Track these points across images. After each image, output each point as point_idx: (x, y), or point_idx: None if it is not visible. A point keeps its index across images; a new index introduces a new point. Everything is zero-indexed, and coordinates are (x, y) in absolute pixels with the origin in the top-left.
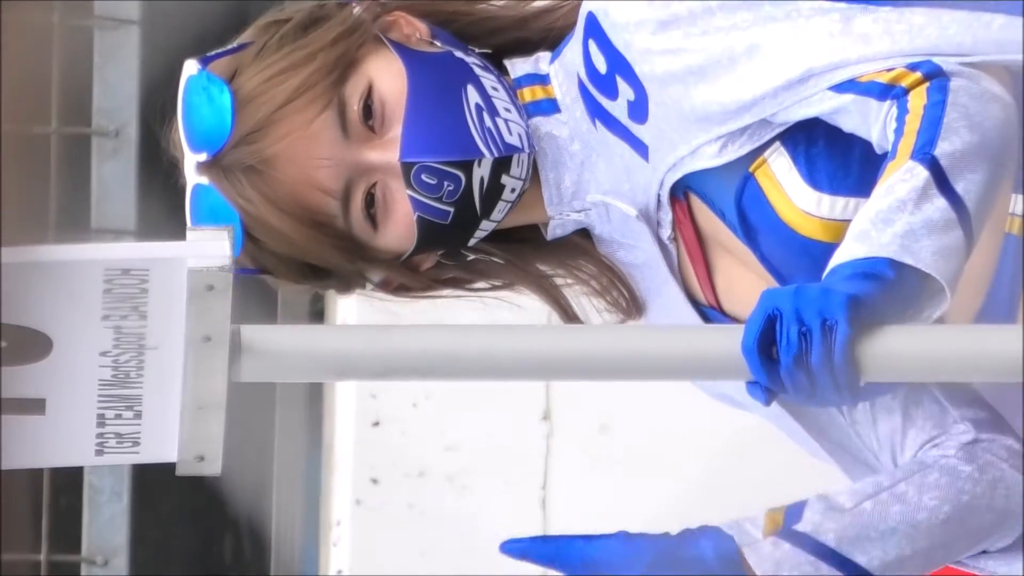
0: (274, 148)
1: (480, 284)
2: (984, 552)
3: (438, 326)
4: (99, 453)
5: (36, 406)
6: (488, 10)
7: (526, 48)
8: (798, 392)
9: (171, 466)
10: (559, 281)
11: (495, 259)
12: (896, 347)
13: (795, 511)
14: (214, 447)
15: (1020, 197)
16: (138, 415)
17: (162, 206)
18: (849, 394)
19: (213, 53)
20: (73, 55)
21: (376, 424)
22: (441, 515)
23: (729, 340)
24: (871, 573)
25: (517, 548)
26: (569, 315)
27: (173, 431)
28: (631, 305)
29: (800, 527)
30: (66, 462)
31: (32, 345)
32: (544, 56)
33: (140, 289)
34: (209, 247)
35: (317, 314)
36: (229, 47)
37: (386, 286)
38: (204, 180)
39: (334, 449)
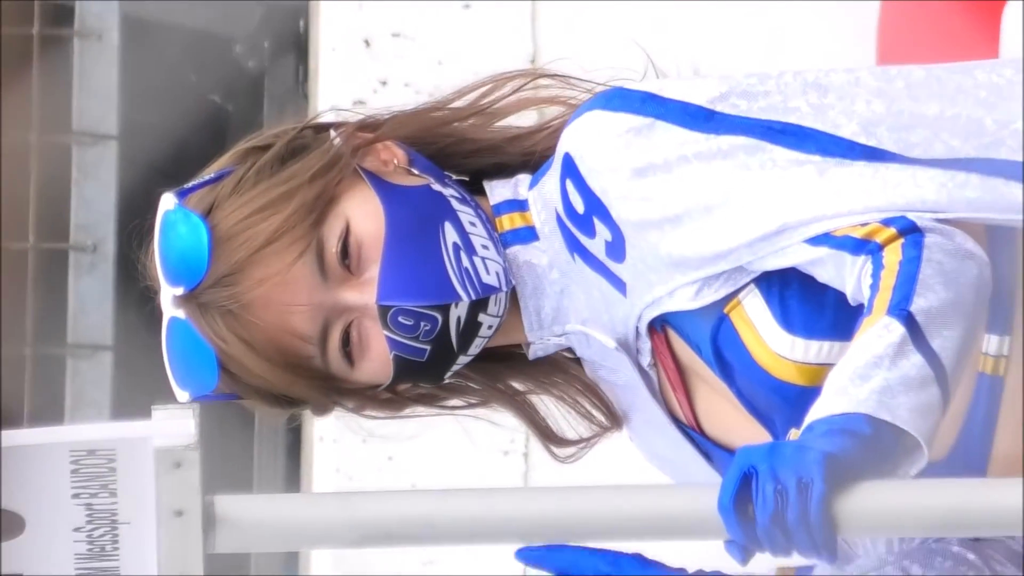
0: (251, 294)
1: (455, 401)
2: None
3: (412, 492)
4: None
5: None
6: (467, 134)
7: (505, 171)
8: (775, 550)
9: None
10: (535, 397)
11: (469, 382)
12: (873, 503)
13: (805, 569)
14: None
15: (992, 337)
16: None
17: (139, 321)
18: (827, 552)
19: (189, 185)
20: (51, 171)
21: None
22: None
23: (705, 499)
24: None
25: (531, 556)
26: (544, 432)
27: None
28: (609, 419)
29: None
30: None
31: (4, 525)
32: (523, 179)
33: (108, 468)
34: (174, 426)
35: (294, 430)
36: (206, 178)
37: (361, 409)
38: (180, 313)
39: (311, 564)
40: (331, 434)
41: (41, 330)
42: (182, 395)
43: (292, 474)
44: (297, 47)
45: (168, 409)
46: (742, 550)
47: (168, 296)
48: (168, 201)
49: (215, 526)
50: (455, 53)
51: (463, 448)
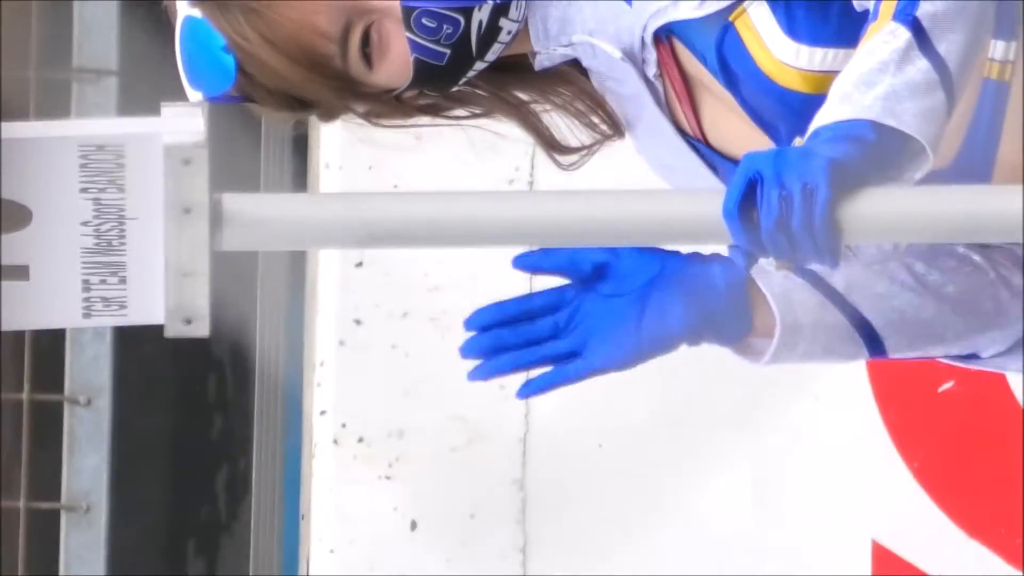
0: None
1: (459, 112)
2: (975, 357)
3: (420, 193)
4: (87, 316)
5: (19, 272)
6: None
7: None
8: (779, 255)
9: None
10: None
11: (476, 90)
12: (877, 209)
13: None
14: (201, 310)
15: (998, 43)
16: (123, 280)
17: (144, 45)
18: (830, 257)
19: None
20: None
21: (359, 265)
22: (424, 356)
23: (710, 204)
24: (871, 323)
25: (528, 261)
26: (547, 140)
27: (159, 294)
28: (611, 127)
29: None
30: (54, 324)
31: (11, 215)
32: None
33: (117, 164)
34: (183, 123)
35: (300, 156)
36: None
37: (369, 115)
38: (196, 12)
39: (317, 290)
40: (336, 161)
41: (46, 54)
42: (194, 95)
43: None
44: None
45: (177, 106)
46: (746, 255)
47: None
48: None
49: (222, 224)
50: None
51: (469, 178)
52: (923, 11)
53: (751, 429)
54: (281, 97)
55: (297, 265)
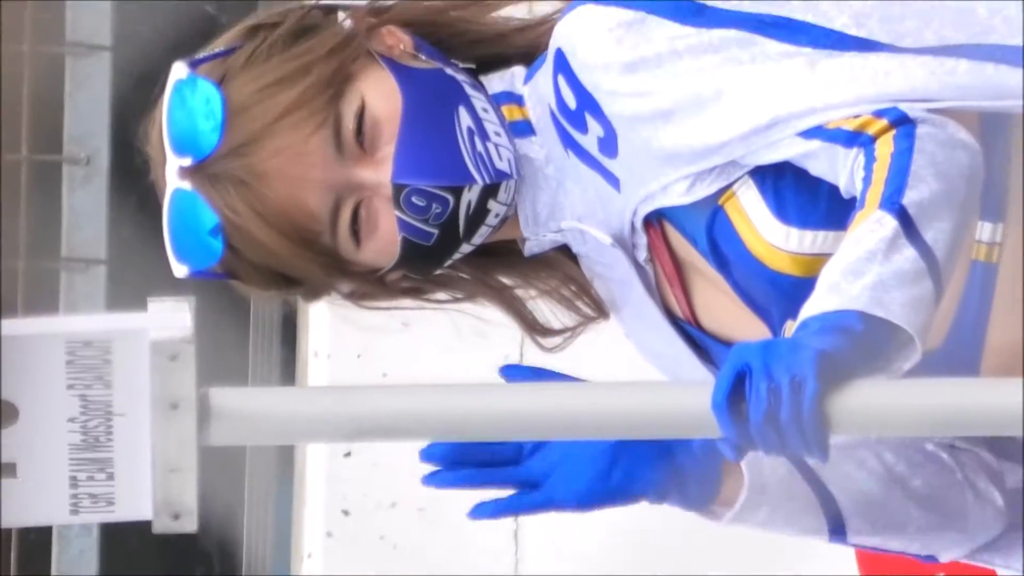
0: (267, 164)
1: (442, 295)
2: (933, 559)
3: (408, 386)
4: (74, 512)
5: (7, 470)
6: (472, 23)
7: (502, 62)
8: (768, 448)
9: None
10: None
11: (459, 274)
12: (866, 402)
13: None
14: (189, 505)
15: (985, 224)
16: (111, 476)
17: (133, 234)
18: (819, 450)
19: (201, 56)
20: (44, 82)
21: (347, 455)
22: (413, 547)
23: (699, 396)
24: (836, 501)
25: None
26: (529, 324)
27: (147, 490)
28: (595, 310)
29: None
30: (42, 521)
31: None
32: (519, 72)
33: (103, 360)
34: (170, 318)
35: (288, 345)
36: (216, 51)
37: (352, 296)
38: (186, 185)
39: (305, 480)
40: (325, 349)
41: (35, 243)
42: (180, 269)
43: None
44: None
45: (164, 302)
46: (735, 448)
47: (174, 167)
48: (180, 70)
49: (210, 419)
50: None
51: (458, 363)
52: (909, 199)
53: None
54: (267, 273)
55: (285, 455)
